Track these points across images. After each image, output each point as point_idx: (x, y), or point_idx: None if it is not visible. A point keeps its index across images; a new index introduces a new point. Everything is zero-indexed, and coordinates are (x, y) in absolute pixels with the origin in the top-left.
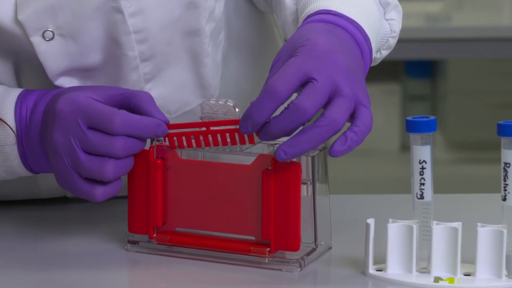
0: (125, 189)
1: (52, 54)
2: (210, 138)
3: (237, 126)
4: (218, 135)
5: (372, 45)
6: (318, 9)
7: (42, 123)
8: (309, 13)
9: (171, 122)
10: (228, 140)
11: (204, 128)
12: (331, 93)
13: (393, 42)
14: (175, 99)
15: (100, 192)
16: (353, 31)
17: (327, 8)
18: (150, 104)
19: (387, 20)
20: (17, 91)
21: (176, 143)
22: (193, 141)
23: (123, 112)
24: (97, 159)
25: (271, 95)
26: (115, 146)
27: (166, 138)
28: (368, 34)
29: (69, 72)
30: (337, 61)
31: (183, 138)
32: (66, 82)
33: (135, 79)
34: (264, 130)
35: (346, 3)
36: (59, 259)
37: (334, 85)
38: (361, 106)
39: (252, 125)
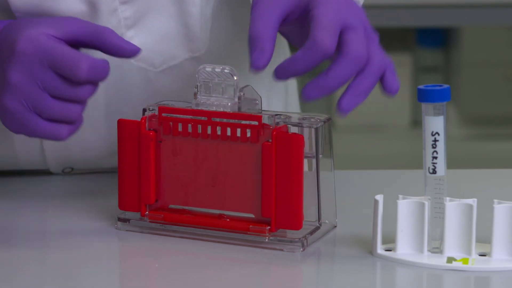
0: (114, 162)
1: None
2: (209, 129)
3: (240, 121)
4: (218, 127)
5: None
6: None
7: None
8: None
9: (156, 78)
10: (229, 134)
11: (204, 118)
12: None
13: None
14: (159, 51)
15: (66, 131)
16: None
17: None
18: (116, 37)
19: None
20: None
21: (171, 130)
22: (189, 130)
23: (88, 59)
24: (64, 103)
25: (322, 52)
26: (81, 93)
27: (161, 122)
28: None
29: (39, 14)
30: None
31: (179, 124)
32: None
33: (114, 23)
34: (320, 82)
35: None
36: (42, 238)
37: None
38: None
39: (291, 77)
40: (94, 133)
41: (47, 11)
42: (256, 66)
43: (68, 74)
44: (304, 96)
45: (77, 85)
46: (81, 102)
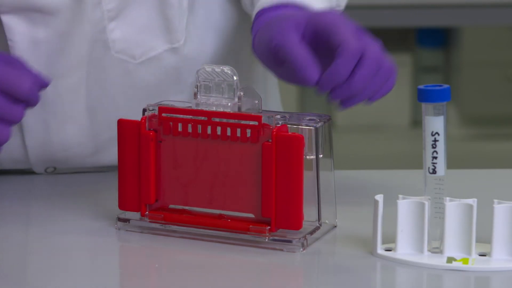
0: (97, 161)
1: None
2: (209, 129)
3: (240, 121)
4: (218, 127)
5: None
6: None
7: None
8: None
9: (136, 69)
10: (229, 134)
11: (204, 118)
12: None
13: None
14: (139, 42)
15: None
16: None
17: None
18: (28, 67)
19: None
20: None
21: (171, 130)
22: (189, 130)
23: (30, 80)
24: None
25: (353, 51)
26: (17, 115)
27: (161, 122)
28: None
29: (22, 7)
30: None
31: (179, 124)
32: (13, 20)
33: (98, 16)
34: (345, 89)
35: None
36: (41, 238)
37: None
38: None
39: (333, 86)
40: (75, 125)
41: (32, 5)
42: (316, 84)
43: (12, 89)
44: (343, 107)
45: (14, 107)
46: (14, 122)
